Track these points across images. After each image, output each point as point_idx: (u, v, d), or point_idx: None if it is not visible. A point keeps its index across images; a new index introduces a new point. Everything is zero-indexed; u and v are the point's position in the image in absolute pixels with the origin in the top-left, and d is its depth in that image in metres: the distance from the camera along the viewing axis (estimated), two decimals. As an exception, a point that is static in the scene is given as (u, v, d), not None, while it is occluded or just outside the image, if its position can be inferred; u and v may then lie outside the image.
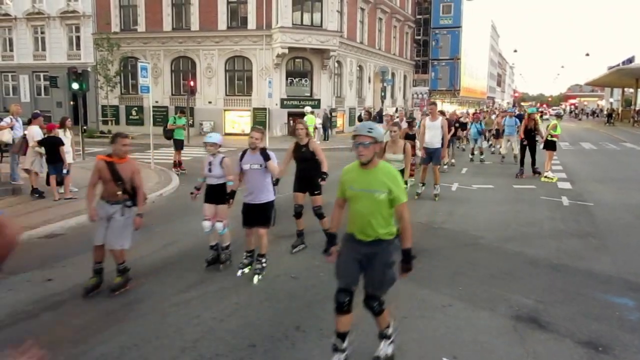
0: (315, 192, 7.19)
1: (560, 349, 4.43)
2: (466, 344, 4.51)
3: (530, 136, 14.13)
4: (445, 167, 14.79)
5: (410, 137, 11.28)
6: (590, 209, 10.20)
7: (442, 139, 11.14)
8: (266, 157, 5.93)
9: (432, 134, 11.03)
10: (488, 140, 21.65)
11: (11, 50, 33.57)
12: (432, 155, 11.04)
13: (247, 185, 6.11)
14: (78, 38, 31.84)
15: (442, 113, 15.10)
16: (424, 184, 11.09)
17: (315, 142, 7.23)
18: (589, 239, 7.96)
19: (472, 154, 18.29)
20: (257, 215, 6.06)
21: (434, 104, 12.09)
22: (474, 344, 4.52)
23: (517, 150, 15.65)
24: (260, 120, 27.52)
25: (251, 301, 5.42)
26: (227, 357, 4.27)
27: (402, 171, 8.00)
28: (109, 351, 4.32)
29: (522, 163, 14.34)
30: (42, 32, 32.61)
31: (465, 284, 5.92)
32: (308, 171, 7.13)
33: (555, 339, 4.62)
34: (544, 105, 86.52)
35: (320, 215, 7.22)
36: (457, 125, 19.12)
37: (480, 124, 18.33)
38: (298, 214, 7.28)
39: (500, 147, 19.44)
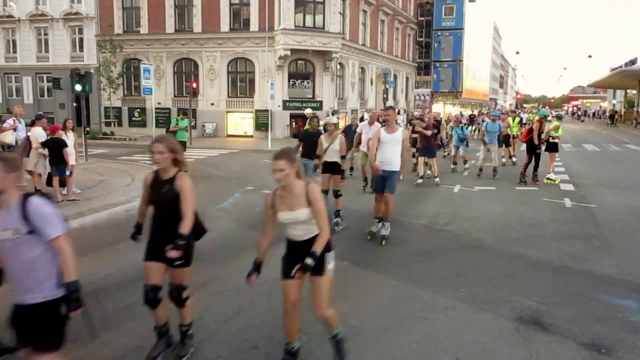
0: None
1: (563, 351, 4.42)
2: (468, 345, 4.51)
3: (540, 140, 13.29)
4: (421, 180, 13.09)
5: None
6: (593, 210, 10.18)
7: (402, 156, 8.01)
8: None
9: (389, 150, 7.76)
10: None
11: (14, 51, 33.69)
12: (385, 181, 7.67)
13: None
14: (81, 40, 31.96)
15: (421, 119, 14.10)
16: (380, 220, 8.01)
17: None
18: (592, 241, 7.95)
19: (454, 163, 16.13)
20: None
21: (391, 108, 8.24)
22: (476, 345, 4.51)
23: (497, 162, 14.74)
24: (262, 121, 27.61)
25: (253, 303, 5.43)
26: (229, 359, 4.28)
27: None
28: (111, 353, 4.33)
29: (536, 168, 13.43)
30: (46, 34, 32.74)
31: (468, 286, 5.92)
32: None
33: (557, 340, 4.61)
34: (547, 107, 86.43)
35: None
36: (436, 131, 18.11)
37: (462, 128, 16.49)
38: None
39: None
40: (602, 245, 7.72)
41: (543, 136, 13.44)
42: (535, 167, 13.47)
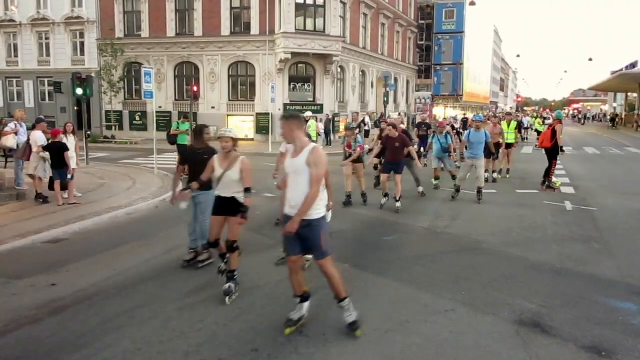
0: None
1: (563, 354, 4.42)
2: (469, 348, 4.51)
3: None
4: (384, 200, 10.69)
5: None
6: (593, 213, 10.18)
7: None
8: None
9: (294, 183, 5.25)
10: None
11: (16, 56, 33.79)
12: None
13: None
14: (82, 44, 32.04)
15: (393, 126, 12.44)
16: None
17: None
18: (593, 244, 7.95)
19: (436, 178, 12.87)
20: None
21: (292, 117, 4.87)
22: (476, 348, 4.51)
23: (482, 182, 11.42)
24: (263, 125, 27.64)
25: (254, 305, 5.43)
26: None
27: None
28: (112, 356, 4.33)
29: (548, 173, 12.91)
30: (47, 38, 32.83)
31: (468, 289, 5.92)
32: None
33: (558, 343, 4.61)
34: (547, 110, 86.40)
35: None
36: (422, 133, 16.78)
37: (447, 136, 13.00)
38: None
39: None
40: (602, 248, 7.72)
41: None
42: (547, 172, 13.00)
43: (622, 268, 6.76)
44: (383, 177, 10.63)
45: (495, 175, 14.33)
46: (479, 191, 11.29)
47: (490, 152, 12.86)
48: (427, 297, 5.68)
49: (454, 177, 12.66)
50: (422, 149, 16.01)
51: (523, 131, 29.67)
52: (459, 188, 11.54)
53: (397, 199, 10.16)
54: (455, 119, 28.97)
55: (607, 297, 5.72)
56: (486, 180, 12.74)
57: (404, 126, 15.01)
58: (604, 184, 14.22)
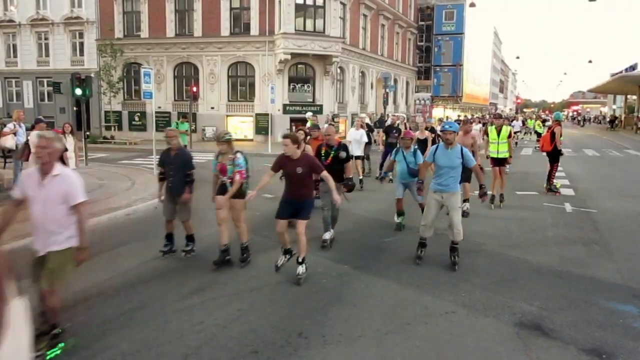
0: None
1: (564, 356, 4.41)
2: (469, 350, 4.50)
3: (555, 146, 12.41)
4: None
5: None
6: (593, 215, 10.17)
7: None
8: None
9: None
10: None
11: (15, 56, 33.75)
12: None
13: None
14: (82, 44, 32.01)
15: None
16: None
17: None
18: (593, 246, 7.94)
19: (400, 214, 8.97)
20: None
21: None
22: (477, 350, 4.50)
23: (459, 234, 6.83)
24: (262, 125, 27.63)
25: (253, 307, 5.41)
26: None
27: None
28: (111, 358, 4.31)
29: (550, 177, 12.69)
30: (46, 38, 32.80)
31: (469, 291, 5.90)
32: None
33: (558, 346, 4.59)
34: (547, 112, 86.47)
35: None
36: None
37: (416, 153, 8.91)
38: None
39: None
40: (602, 251, 7.71)
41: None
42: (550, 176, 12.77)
43: (622, 271, 6.75)
44: (280, 224, 6.38)
45: (465, 205, 9.75)
46: (453, 249, 6.87)
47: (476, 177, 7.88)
48: (428, 299, 5.66)
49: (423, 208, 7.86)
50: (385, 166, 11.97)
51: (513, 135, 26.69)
52: (425, 241, 7.09)
53: (300, 260, 6.26)
54: (440, 120, 25.47)
55: (607, 299, 5.71)
56: (464, 215, 9.18)
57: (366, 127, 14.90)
58: (603, 186, 14.21)
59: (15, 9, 32.63)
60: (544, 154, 13.15)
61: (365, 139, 13.72)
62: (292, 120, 28.13)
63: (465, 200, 9.56)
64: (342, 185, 7.78)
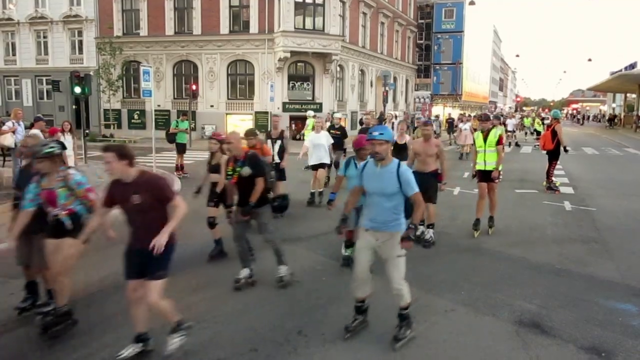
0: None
1: (563, 355, 4.41)
2: (468, 349, 4.50)
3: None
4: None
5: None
6: (592, 214, 10.17)
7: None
8: None
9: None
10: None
11: (14, 54, 33.70)
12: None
13: None
14: (81, 42, 31.96)
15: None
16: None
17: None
18: (592, 244, 7.94)
19: (348, 245, 6.63)
20: None
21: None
22: (476, 349, 4.50)
23: (405, 297, 4.79)
24: (262, 123, 27.61)
25: (253, 305, 5.41)
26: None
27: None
28: (110, 356, 4.30)
29: (548, 175, 12.77)
30: (45, 37, 32.74)
31: (468, 289, 5.90)
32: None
33: (558, 344, 4.60)
34: (546, 110, 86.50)
35: None
36: None
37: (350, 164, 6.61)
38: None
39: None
40: (602, 249, 7.71)
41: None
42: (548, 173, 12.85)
43: (621, 269, 6.75)
44: (130, 286, 4.31)
45: (429, 233, 7.81)
46: (401, 316, 4.75)
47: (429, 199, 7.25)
48: (427, 297, 5.66)
49: None
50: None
51: (509, 134, 25.46)
52: (362, 304, 5.01)
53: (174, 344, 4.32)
54: (430, 120, 21.60)
55: (606, 298, 5.71)
56: (426, 244, 7.57)
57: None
58: (603, 184, 14.21)
59: (14, 7, 32.58)
60: (544, 152, 13.18)
61: (331, 141, 11.14)
62: (291, 118, 28.14)
63: (429, 226, 7.70)
64: (251, 209, 5.81)
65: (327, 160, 11.06)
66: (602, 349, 4.50)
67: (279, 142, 9.96)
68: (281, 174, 9.66)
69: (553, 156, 12.67)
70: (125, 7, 30.69)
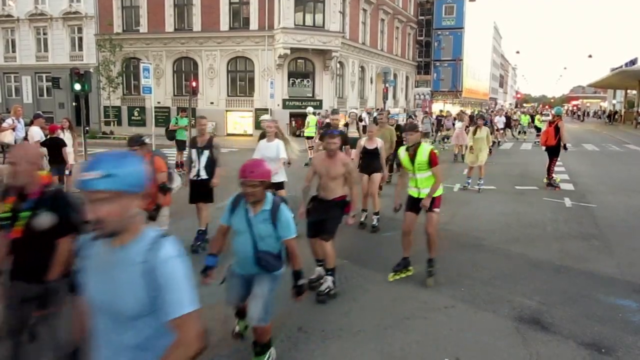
0: None
1: (563, 351, 4.42)
2: (468, 345, 4.50)
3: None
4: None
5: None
6: (593, 210, 10.17)
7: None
8: None
9: None
10: None
11: (14, 51, 33.62)
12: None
13: None
14: (80, 39, 31.88)
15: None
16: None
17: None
18: (592, 241, 7.94)
19: (241, 315, 4.53)
20: None
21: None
22: (476, 345, 4.50)
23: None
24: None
25: (253, 302, 5.40)
26: (229, 357, 4.26)
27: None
28: (110, 352, 4.30)
29: (549, 171, 12.74)
30: (45, 33, 32.66)
31: (468, 285, 5.90)
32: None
33: (558, 340, 4.60)
34: (547, 107, 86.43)
35: None
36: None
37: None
38: None
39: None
40: (602, 245, 7.71)
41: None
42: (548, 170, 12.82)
43: (621, 265, 6.75)
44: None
45: (327, 282, 5.65)
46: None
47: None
48: (427, 293, 5.66)
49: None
50: None
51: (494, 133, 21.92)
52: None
53: None
54: (414, 117, 21.19)
55: (606, 294, 5.71)
56: (320, 295, 5.51)
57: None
58: (603, 180, 14.20)
59: (14, 4, 32.49)
60: (543, 148, 13.18)
61: (283, 155, 7.65)
62: (291, 115, 28.11)
63: (329, 272, 5.64)
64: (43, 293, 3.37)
65: (282, 178, 7.83)
66: (602, 345, 4.51)
67: (206, 152, 7.60)
68: (208, 195, 7.50)
69: (554, 153, 12.66)
70: (125, 3, 30.60)
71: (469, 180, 12.46)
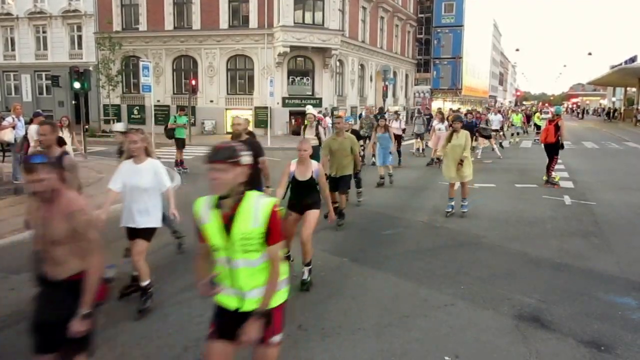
0: None
1: (563, 349, 4.42)
2: (468, 343, 4.50)
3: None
4: None
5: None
6: (592, 208, 10.17)
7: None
8: None
9: None
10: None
11: (13, 49, 33.61)
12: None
13: None
14: (80, 37, 31.87)
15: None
16: None
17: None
18: (592, 239, 7.94)
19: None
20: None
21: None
22: (476, 343, 4.51)
23: None
24: (261, 119, 27.58)
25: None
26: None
27: None
28: (110, 350, 4.32)
29: (549, 169, 12.80)
30: (44, 32, 32.65)
31: (467, 283, 5.91)
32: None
33: (557, 338, 4.60)
34: (547, 105, 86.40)
35: None
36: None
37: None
38: None
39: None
40: (601, 243, 7.71)
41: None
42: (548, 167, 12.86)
43: (621, 263, 6.76)
44: None
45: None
46: None
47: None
48: (427, 291, 5.67)
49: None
50: None
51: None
52: None
53: None
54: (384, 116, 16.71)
55: (606, 292, 5.72)
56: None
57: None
58: (602, 178, 14.21)
59: (13, 2, 32.46)
60: (542, 146, 13.20)
61: (166, 182, 5.76)
62: (291, 113, 28.11)
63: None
64: None
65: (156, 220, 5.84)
66: (601, 342, 4.51)
67: None
68: None
69: (554, 150, 12.69)
70: (125, 2, 30.57)
71: (452, 203, 9.46)
